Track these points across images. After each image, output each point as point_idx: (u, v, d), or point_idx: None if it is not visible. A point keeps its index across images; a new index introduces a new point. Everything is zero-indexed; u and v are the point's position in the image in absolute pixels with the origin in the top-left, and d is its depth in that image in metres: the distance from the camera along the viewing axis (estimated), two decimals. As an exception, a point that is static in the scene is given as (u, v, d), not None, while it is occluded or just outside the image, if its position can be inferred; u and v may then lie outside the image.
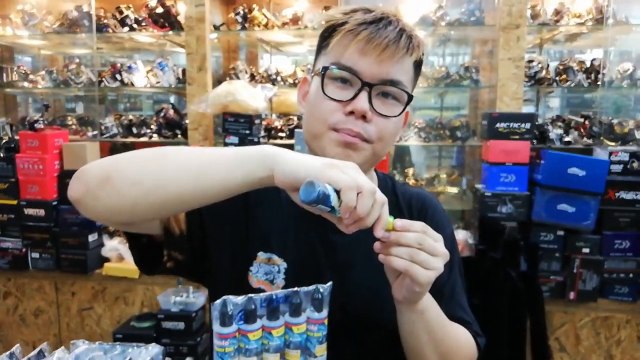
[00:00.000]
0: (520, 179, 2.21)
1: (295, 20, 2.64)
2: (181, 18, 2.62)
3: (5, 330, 2.66)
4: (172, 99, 3.37)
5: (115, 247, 2.52)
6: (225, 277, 0.87)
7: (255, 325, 0.67)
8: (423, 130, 2.67)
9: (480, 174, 2.43)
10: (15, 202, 2.50)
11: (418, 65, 0.86)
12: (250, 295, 0.67)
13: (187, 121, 2.62)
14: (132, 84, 2.78)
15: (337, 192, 0.63)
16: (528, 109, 2.85)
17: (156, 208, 0.70)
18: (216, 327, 0.66)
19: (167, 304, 2.21)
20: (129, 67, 2.77)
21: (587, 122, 2.54)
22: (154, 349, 0.80)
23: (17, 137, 2.63)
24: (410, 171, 2.83)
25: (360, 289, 0.87)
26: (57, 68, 3.00)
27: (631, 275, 2.18)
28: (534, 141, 2.38)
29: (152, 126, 2.82)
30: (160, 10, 2.64)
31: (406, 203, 0.97)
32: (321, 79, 0.82)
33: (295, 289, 0.69)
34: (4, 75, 2.99)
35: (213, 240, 0.87)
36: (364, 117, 0.80)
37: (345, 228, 0.65)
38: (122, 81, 2.78)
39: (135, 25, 2.71)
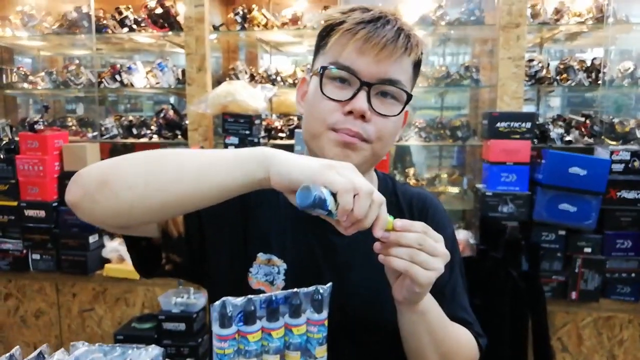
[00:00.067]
0: (521, 178, 2.20)
1: (294, 20, 2.64)
2: (180, 18, 2.61)
3: (6, 331, 2.66)
4: (172, 99, 3.37)
5: (115, 248, 2.52)
6: (224, 278, 0.87)
7: (254, 327, 0.67)
8: (423, 130, 2.66)
9: (481, 173, 2.43)
10: (15, 203, 2.50)
11: (417, 64, 0.85)
12: (249, 296, 0.67)
13: (187, 122, 2.62)
14: (132, 85, 2.78)
15: (334, 194, 0.62)
16: (529, 108, 2.84)
17: (155, 211, 0.69)
18: (215, 329, 0.66)
19: (168, 305, 2.21)
20: (129, 68, 2.77)
21: (588, 122, 2.54)
22: (154, 350, 0.80)
23: (17, 139, 2.63)
24: (411, 171, 2.83)
25: (359, 290, 0.87)
26: (56, 69, 3.00)
27: (633, 274, 2.17)
28: (535, 141, 2.38)
29: (152, 127, 2.81)
30: (159, 10, 2.63)
31: (407, 203, 0.96)
32: (319, 79, 0.81)
33: (295, 290, 0.69)
34: (4, 76, 2.99)
35: (212, 243, 0.86)
36: (362, 117, 0.80)
37: (344, 230, 0.65)
38: (121, 82, 2.78)
39: (134, 26, 2.70)
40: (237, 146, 2.36)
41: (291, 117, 2.80)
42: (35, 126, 2.77)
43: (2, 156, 2.54)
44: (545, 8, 2.47)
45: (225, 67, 3.12)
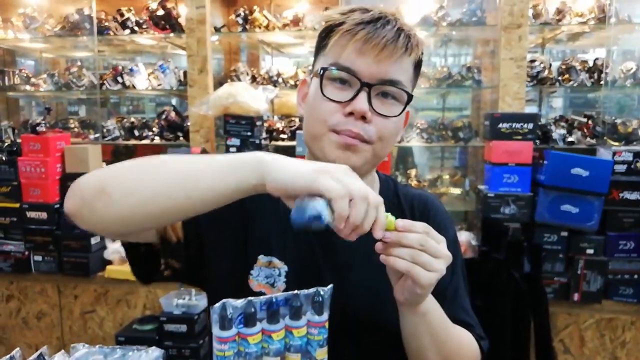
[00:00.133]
0: (523, 179, 2.20)
1: (296, 21, 2.64)
2: (182, 20, 2.62)
3: (8, 333, 2.66)
4: (174, 101, 3.38)
5: (117, 249, 2.52)
6: (224, 282, 0.86)
7: (255, 329, 0.67)
8: (425, 131, 2.66)
9: (483, 174, 2.43)
10: (17, 205, 2.50)
11: (417, 64, 0.85)
12: (249, 298, 0.67)
13: (188, 123, 2.62)
14: (134, 87, 2.78)
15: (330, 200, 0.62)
16: (531, 109, 2.84)
17: (153, 218, 0.70)
18: (216, 331, 0.66)
19: (169, 307, 2.21)
20: (131, 70, 2.77)
21: (590, 122, 2.53)
22: (154, 352, 0.80)
23: (19, 141, 2.64)
24: (413, 172, 2.83)
25: (359, 290, 0.86)
26: (58, 71, 3.01)
27: (636, 276, 2.16)
28: (537, 141, 2.37)
29: (154, 129, 2.82)
30: (161, 12, 2.64)
31: (408, 205, 0.96)
32: (320, 80, 0.81)
33: (296, 291, 0.69)
34: (6, 78, 3.00)
35: (211, 248, 0.86)
36: (363, 118, 0.79)
37: (345, 237, 0.65)
38: (123, 84, 2.78)
39: (136, 28, 2.71)
40: (238, 147, 2.37)
41: (293, 119, 2.80)
42: (38, 128, 2.79)
43: (4, 158, 2.54)
44: (547, 8, 2.46)
45: (226, 68, 3.12)
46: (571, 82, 2.50)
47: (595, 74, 2.49)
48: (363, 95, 0.79)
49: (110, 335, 2.48)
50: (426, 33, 2.56)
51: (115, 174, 0.71)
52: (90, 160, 2.49)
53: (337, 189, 0.61)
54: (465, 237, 2.31)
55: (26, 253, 2.54)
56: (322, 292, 0.70)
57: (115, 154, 3.09)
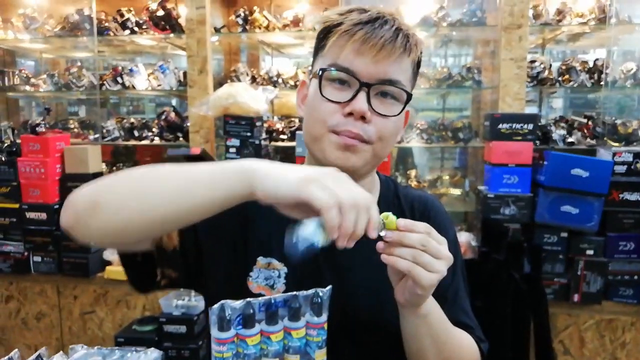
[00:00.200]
0: (523, 180, 2.20)
1: (296, 22, 2.64)
2: (182, 21, 2.62)
3: (7, 334, 2.66)
4: (174, 101, 3.37)
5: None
6: (223, 286, 0.86)
7: (253, 330, 0.67)
8: (425, 132, 2.66)
9: (483, 175, 2.42)
10: (17, 205, 2.50)
11: (416, 64, 0.85)
12: (248, 299, 0.67)
13: (188, 124, 2.62)
14: (134, 87, 2.78)
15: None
16: (531, 109, 2.84)
17: (146, 230, 0.71)
18: (214, 332, 0.66)
19: (168, 308, 2.20)
20: (130, 70, 2.77)
21: (590, 123, 2.53)
22: (153, 353, 0.80)
23: (18, 141, 2.64)
24: (413, 173, 2.82)
25: (359, 290, 0.86)
26: (58, 71, 3.01)
27: (636, 277, 2.16)
28: (537, 142, 2.37)
29: (154, 129, 2.81)
30: (161, 13, 2.64)
31: (409, 206, 0.96)
32: (319, 81, 0.81)
33: (294, 293, 0.69)
34: (6, 79, 2.99)
35: (210, 254, 0.86)
36: (363, 118, 0.79)
37: (340, 246, 0.63)
38: (123, 84, 2.78)
39: (136, 28, 2.71)
40: (238, 148, 2.37)
41: (292, 119, 2.80)
42: (37, 128, 2.78)
43: (3, 158, 2.54)
44: (547, 9, 2.46)
45: (226, 69, 3.12)
46: (571, 83, 2.50)
47: (596, 74, 2.48)
48: (362, 96, 0.79)
49: (110, 336, 2.48)
50: (426, 33, 2.56)
51: (106, 188, 0.71)
52: (90, 161, 2.49)
53: (325, 200, 0.60)
54: (465, 237, 2.30)
55: (25, 254, 2.54)
56: (321, 294, 0.70)
57: (115, 155, 3.09)
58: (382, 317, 0.84)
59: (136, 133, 2.81)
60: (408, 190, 1.00)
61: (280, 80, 2.79)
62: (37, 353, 0.78)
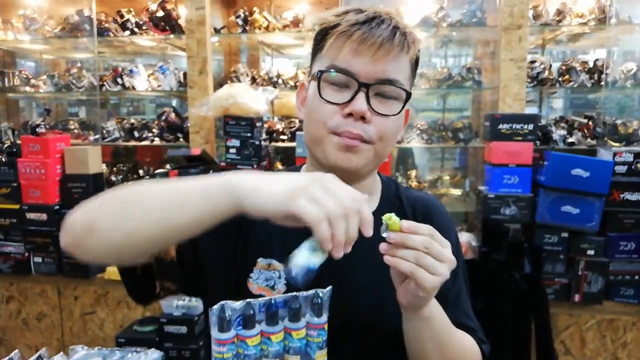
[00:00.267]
0: (523, 180, 2.20)
1: (296, 22, 2.64)
2: (182, 21, 2.62)
3: (8, 334, 2.66)
4: (174, 102, 3.37)
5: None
6: (223, 289, 0.86)
7: (254, 331, 0.67)
8: (425, 132, 2.66)
9: (483, 175, 2.42)
10: (17, 206, 2.50)
11: (415, 62, 0.85)
12: (248, 300, 0.67)
13: (188, 124, 2.62)
14: (134, 88, 2.78)
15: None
16: (531, 110, 2.84)
17: (142, 248, 0.71)
18: (214, 333, 0.66)
19: (169, 308, 2.20)
20: (130, 71, 2.77)
21: (590, 123, 2.53)
22: (154, 354, 0.80)
23: (19, 142, 2.64)
24: (413, 173, 2.82)
25: (360, 291, 0.86)
26: (58, 72, 3.01)
27: (636, 277, 2.16)
28: (537, 142, 2.37)
29: (154, 130, 2.82)
30: (160, 13, 2.64)
31: (410, 207, 0.96)
32: (317, 83, 0.81)
33: (295, 293, 0.69)
34: (6, 80, 3.00)
35: (209, 262, 0.86)
36: (363, 118, 0.79)
37: (336, 256, 0.62)
38: (123, 85, 2.78)
39: (136, 29, 2.71)
40: (238, 148, 2.37)
41: (292, 120, 2.80)
42: (37, 129, 2.78)
43: (4, 159, 2.54)
44: (547, 9, 2.46)
45: (226, 69, 3.12)
46: (571, 83, 2.50)
47: (596, 74, 2.48)
48: (361, 96, 0.79)
49: (111, 337, 2.48)
50: (426, 34, 2.56)
51: (97, 211, 0.72)
52: (90, 162, 2.49)
53: (314, 215, 0.60)
54: (465, 238, 2.30)
55: (26, 254, 2.54)
56: (321, 294, 0.70)
57: (115, 155, 3.09)
58: (383, 318, 0.84)
59: (136, 134, 2.81)
60: (410, 192, 1.00)
61: (280, 81, 2.79)
62: (37, 354, 0.77)
